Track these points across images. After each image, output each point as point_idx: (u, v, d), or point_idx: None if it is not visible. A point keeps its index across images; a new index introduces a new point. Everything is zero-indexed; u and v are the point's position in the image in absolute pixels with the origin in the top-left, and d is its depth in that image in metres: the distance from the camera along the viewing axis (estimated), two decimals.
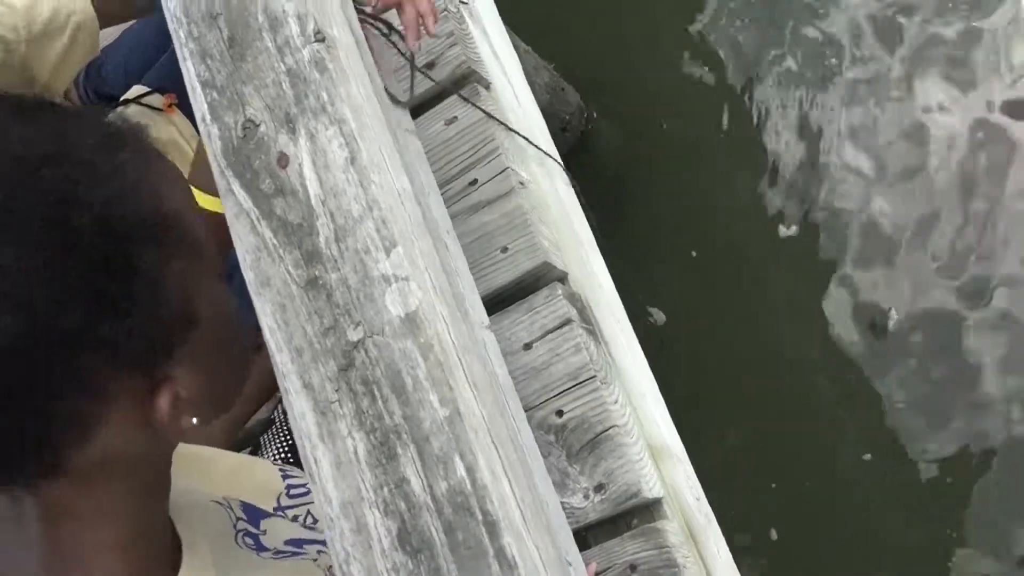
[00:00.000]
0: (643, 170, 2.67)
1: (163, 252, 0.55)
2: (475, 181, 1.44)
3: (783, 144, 2.46)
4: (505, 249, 1.38)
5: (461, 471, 0.59)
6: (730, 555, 1.40)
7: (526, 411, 1.31)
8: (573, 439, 1.29)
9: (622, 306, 1.55)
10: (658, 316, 2.44)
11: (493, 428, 0.61)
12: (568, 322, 1.32)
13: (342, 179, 0.67)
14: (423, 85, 1.52)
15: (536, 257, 1.36)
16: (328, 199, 0.67)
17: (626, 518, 1.29)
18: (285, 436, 1.58)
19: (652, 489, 1.26)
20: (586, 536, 1.30)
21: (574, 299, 1.39)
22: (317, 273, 0.66)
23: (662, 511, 1.29)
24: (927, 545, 2.12)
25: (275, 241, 0.67)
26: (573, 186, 1.59)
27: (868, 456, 2.18)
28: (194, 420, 0.59)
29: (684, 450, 1.44)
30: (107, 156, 0.55)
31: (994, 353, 2.12)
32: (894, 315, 2.22)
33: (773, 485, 2.25)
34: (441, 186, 1.45)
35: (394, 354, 0.62)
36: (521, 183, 1.43)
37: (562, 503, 1.27)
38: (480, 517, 0.58)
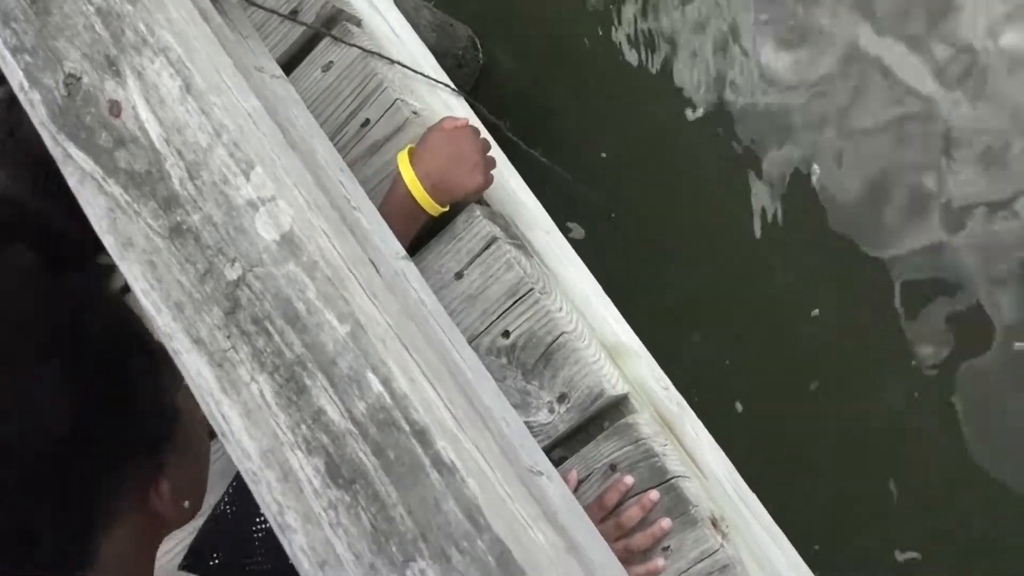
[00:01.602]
0: (548, 90, 2.62)
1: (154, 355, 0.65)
2: (367, 121, 1.37)
3: (685, 32, 2.42)
4: None
5: (377, 386, 0.54)
6: (710, 436, 1.38)
7: (472, 340, 1.26)
8: (525, 356, 1.24)
9: (549, 218, 1.50)
10: (577, 231, 2.43)
11: (402, 334, 0.56)
12: (493, 240, 1.27)
13: (181, 111, 0.60)
14: (291, 36, 1.44)
15: None
16: (172, 136, 0.60)
17: (597, 422, 1.26)
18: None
19: (615, 387, 1.23)
20: (561, 449, 1.27)
21: (495, 217, 1.34)
22: (179, 218, 0.59)
23: (630, 406, 1.26)
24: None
25: (127, 197, 0.61)
26: (471, 104, 1.53)
27: (816, 312, 2.20)
28: (186, 503, 0.68)
29: (642, 344, 1.41)
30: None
31: None
32: (816, 169, 2.23)
33: (727, 361, 2.27)
34: (334, 135, 1.39)
35: (279, 282, 0.57)
36: (415, 112, 1.37)
37: (528, 423, 1.23)
38: (408, 428, 0.53)
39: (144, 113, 0.61)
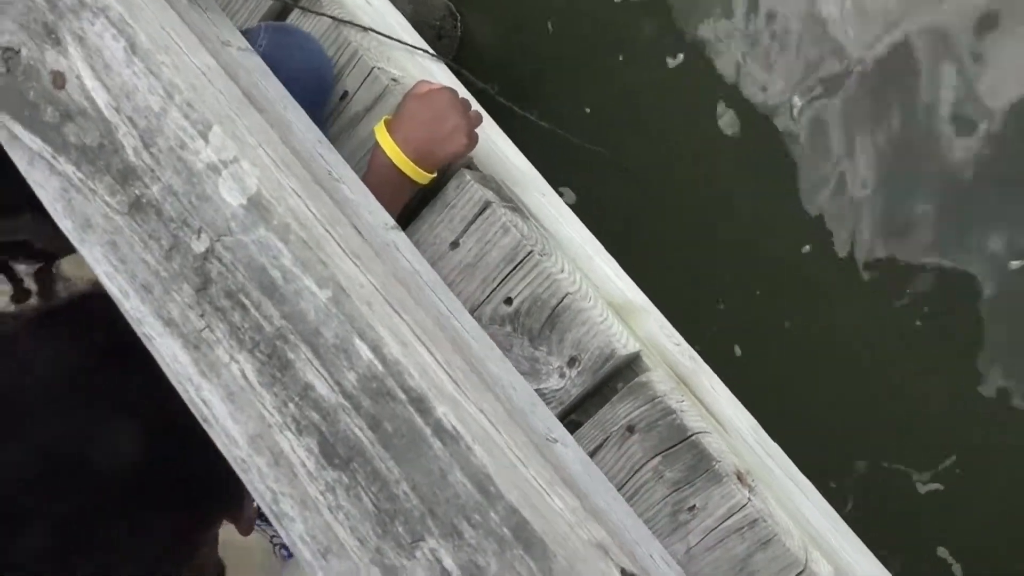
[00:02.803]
0: (529, 54, 2.57)
1: None
2: (345, 94, 1.32)
3: None
4: None
5: (366, 353, 0.49)
6: (727, 389, 1.33)
7: (473, 310, 1.21)
8: (530, 322, 1.20)
9: (543, 179, 1.45)
10: (568, 196, 2.40)
11: (390, 295, 0.51)
12: (487, 205, 1.22)
13: (128, 74, 0.55)
14: (260, 10, 1.39)
15: None
16: (121, 103, 0.55)
17: (610, 383, 1.21)
18: None
19: (626, 346, 1.18)
20: (576, 415, 1.22)
21: (487, 181, 1.29)
22: (137, 192, 0.54)
23: (643, 364, 1.21)
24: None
25: (80, 174, 0.56)
26: (454, 70, 1.47)
27: (807, 248, 2.17)
28: None
29: (649, 301, 1.36)
30: None
31: None
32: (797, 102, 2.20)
33: (721, 306, 2.25)
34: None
35: (250, 250, 0.52)
36: (394, 79, 1.31)
37: (539, 390, 1.18)
38: (403, 397, 0.49)
39: (89, 81, 0.56)
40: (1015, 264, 2.02)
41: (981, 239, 2.04)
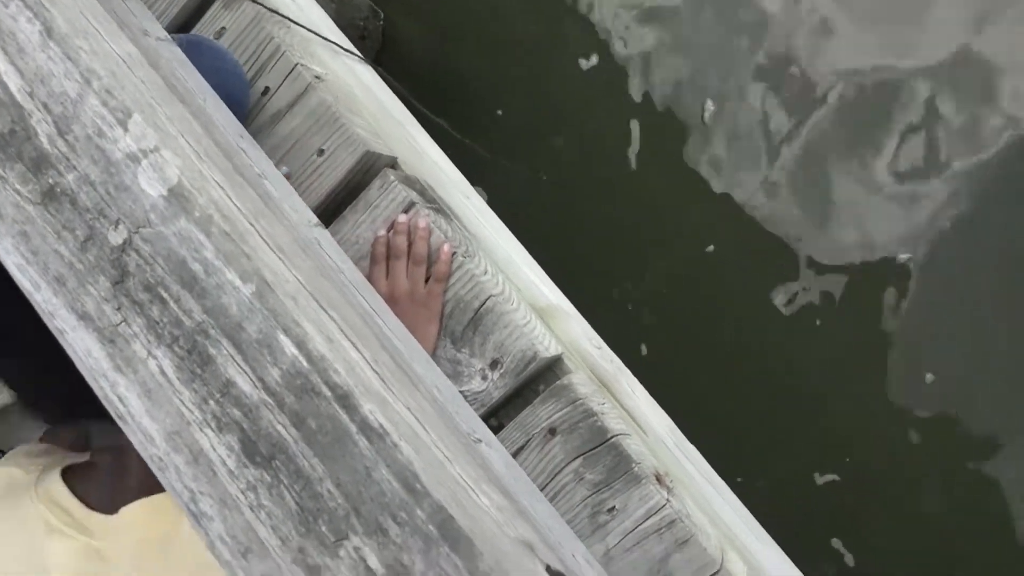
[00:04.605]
0: (452, 56, 2.58)
1: None
2: (267, 90, 1.29)
3: None
4: (321, 152, 1.25)
5: (290, 349, 0.48)
6: (646, 392, 1.35)
7: None
8: (453, 323, 1.19)
9: (466, 181, 1.45)
10: (481, 195, 2.44)
11: (316, 291, 0.51)
12: (411, 206, 1.21)
13: (43, 59, 0.53)
14: (178, 1, 1.35)
15: (356, 150, 1.23)
16: (36, 88, 0.53)
17: (531, 386, 1.22)
18: None
19: (548, 348, 1.19)
20: (498, 418, 1.22)
21: (411, 182, 1.28)
22: (51, 181, 0.52)
23: (565, 367, 1.22)
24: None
25: None
26: (376, 69, 1.46)
27: (711, 248, 2.24)
28: None
29: (572, 305, 1.37)
30: None
31: None
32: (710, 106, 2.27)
33: (629, 307, 2.30)
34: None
35: (170, 242, 0.50)
36: (317, 77, 1.29)
37: (461, 392, 1.18)
38: (329, 394, 0.48)
39: (1, 65, 0.54)
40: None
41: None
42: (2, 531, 0.82)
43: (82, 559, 0.80)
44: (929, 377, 2.14)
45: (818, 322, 2.20)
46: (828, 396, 2.21)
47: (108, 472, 0.85)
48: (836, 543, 2.22)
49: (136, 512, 0.81)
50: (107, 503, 0.82)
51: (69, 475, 0.84)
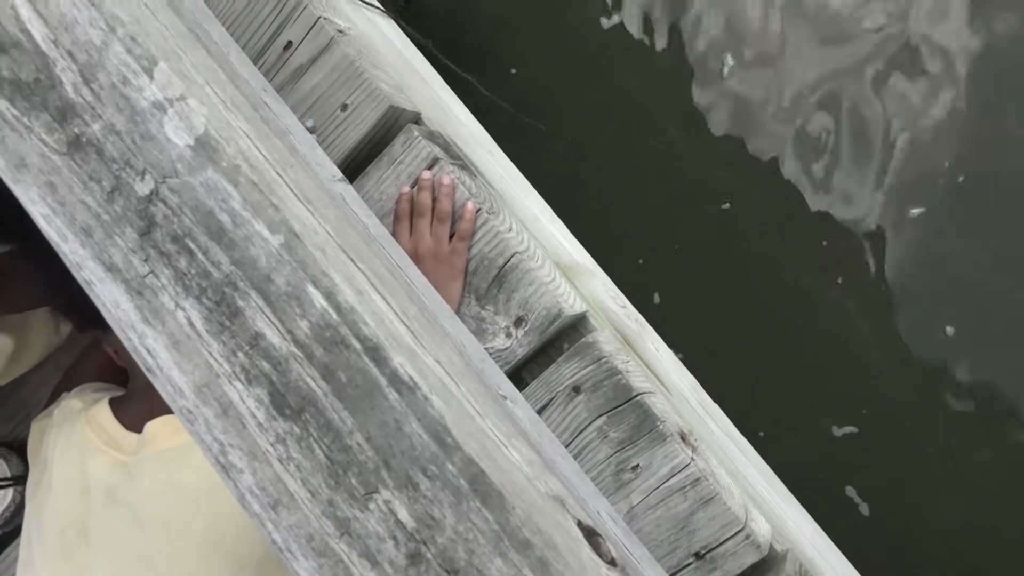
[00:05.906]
0: (474, 10, 2.56)
1: None
2: (289, 44, 1.28)
3: None
4: (345, 107, 1.24)
5: (319, 301, 0.48)
6: (670, 351, 1.34)
7: None
8: (478, 280, 1.18)
9: (490, 137, 1.43)
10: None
11: (344, 241, 0.50)
12: (435, 161, 1.20)
13: (67, 6, 0.52)
14: None
15: (380, 105, 1.22)
16: (60, 36, 0.52)
17: (556, 344, 1.21)
18: None
19: (573, 306, 1.18)
20: (521, 375, 1.22)
21: (434, 137, 1.27)
22: (77, 130, 0.52)
23: (589, 325, 1.21)
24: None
25: (15, 111, 0.53)
26: (398, 23, 1.44)
27: (727, 206, 2.23)
28: None
29: (595, 263, 1.36)
30: None
31: None
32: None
33: (640, 261, 2.30)
34: (256, 60, 1.29)
35: (197, 193, 0.50)
36: (340, 31, 1.28)
37: (486, 349, 1.17)
38: (358, 346, 0.47)
39: (25, 12, 0.53)
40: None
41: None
42: (62, 449, 0.99)
43: (111, 472, 0.94)
44: (949, 330, 2.12)
45: (840, 280, 2.19)
46: (846, 350, 2.20)
47: (139, 396, 1.01)
48: (850, 491, 2.23)
49: (159, 426, 0.94)
50: (138, 423, 0.95)
51: (115, 403, 1.01)
